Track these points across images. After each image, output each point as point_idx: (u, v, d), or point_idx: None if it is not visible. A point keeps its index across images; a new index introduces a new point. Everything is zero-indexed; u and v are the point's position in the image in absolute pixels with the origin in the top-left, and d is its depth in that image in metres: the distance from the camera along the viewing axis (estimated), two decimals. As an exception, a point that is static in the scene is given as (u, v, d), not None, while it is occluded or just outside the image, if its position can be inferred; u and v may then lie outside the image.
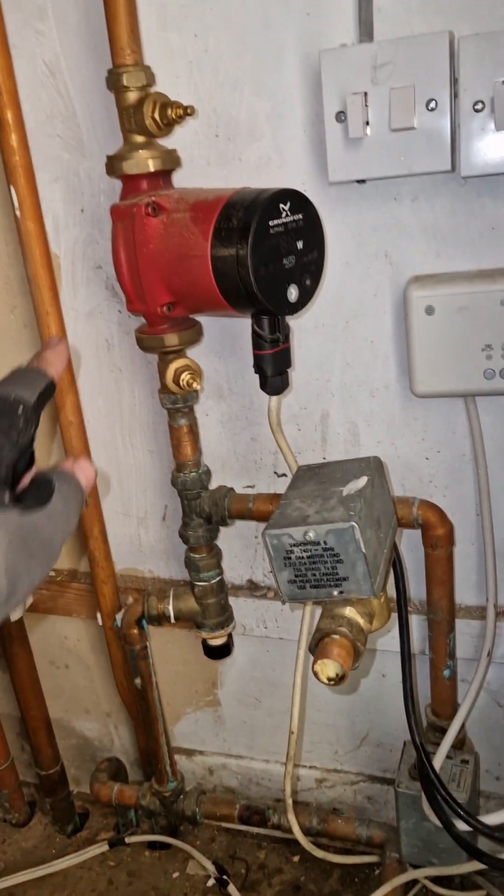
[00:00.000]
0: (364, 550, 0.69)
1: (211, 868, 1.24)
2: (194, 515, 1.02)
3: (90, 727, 1.39)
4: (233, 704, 1.27)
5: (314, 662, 0.70)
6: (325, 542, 0.70)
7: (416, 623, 1.06)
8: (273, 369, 0.84)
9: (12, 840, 1.39)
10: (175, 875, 1.28)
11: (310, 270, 0.82)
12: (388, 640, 1.08)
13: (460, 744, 1.05)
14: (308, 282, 0.82)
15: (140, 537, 1.19)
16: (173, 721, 1.32)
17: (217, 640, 1.08)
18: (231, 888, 1.21)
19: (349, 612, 0.73)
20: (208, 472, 1.01)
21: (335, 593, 0.72)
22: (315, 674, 0.70)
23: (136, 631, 1.09)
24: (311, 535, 0.70)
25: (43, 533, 0.44)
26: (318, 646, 0.72)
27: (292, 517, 0.72)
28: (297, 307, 0.81)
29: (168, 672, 1.27)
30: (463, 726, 1.04)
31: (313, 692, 1.20)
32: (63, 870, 1.31)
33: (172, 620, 1.08)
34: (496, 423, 0.95)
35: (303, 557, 0.72)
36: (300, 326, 0.98)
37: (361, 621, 0.73)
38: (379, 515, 0.75)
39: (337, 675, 0.70)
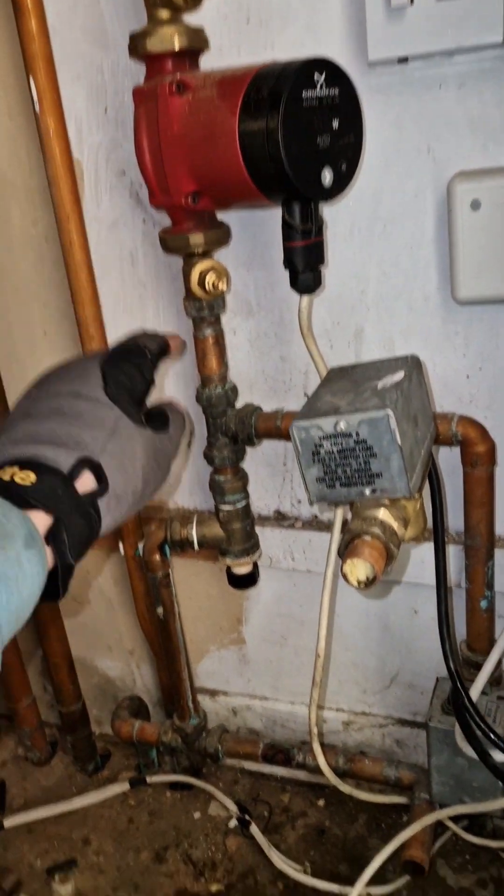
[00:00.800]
0: (400, 443, 0.63)
1: (233, 808, 1.21)
2: (219, 434, 0.97)
3: (112, 666, 1.36)
4: (258, 643, 1.23)
5: (343, 563, 0.65)
6: (357, 434, 0.65)
7: (453, 553, 1.00)
8: (304, 264, 0.78)
9: (33, 778, 1.37)
10: (196, 815, 1.25)
11: (346, 155, 0.76)
12: (420, 572, 1.03)
13: (496, 681, 1.00)
14: (344, 167, 0.76)
15: (164, 465, 1.14)
16: (197, 659, 1.29)
17: (242, 569, 1.04)
18: (253, 828, 1.17)
19: (382, 513, 0.68)
20: (235, 389, 0.96)
21: (367, 492, 0.67)
22: (344, 576, 0.65)
23: (158, 557, 1.05)
24: (343, 426, 0.64)
25: (164, 450, 0.57)
26: (347, 547, 0.66)
27: (322, 409, 0.67)
28: (331, 193, 0.75)
29: (192, 608, 1.23)
30: (500, 662, 0.98)
31: (341, 629, 1.15)
32: (83, 808, 1.28)
33: (196, 547, 1.03)
34: (544, 335, 0.88)
35: (333, 452, 0.66)
36: (334, 233, 0.92)
37: (395, 525, 0.68)
38: (416, 413, 0.70)
39: (367, 577, 0.65)
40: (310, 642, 1.19)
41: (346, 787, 1.01)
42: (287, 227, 0.77)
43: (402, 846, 1.00)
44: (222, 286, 0.85)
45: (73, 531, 0.46)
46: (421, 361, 0.74)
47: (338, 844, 1.16)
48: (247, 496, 1.01)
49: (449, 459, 0.96)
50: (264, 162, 0.71)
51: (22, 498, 0.44)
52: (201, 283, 0.86)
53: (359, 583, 0.65)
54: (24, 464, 0.46)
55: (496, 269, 0.82)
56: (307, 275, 0.79)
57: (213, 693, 1.30)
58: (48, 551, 0.44)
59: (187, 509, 1.16)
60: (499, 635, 0.96)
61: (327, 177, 0.74)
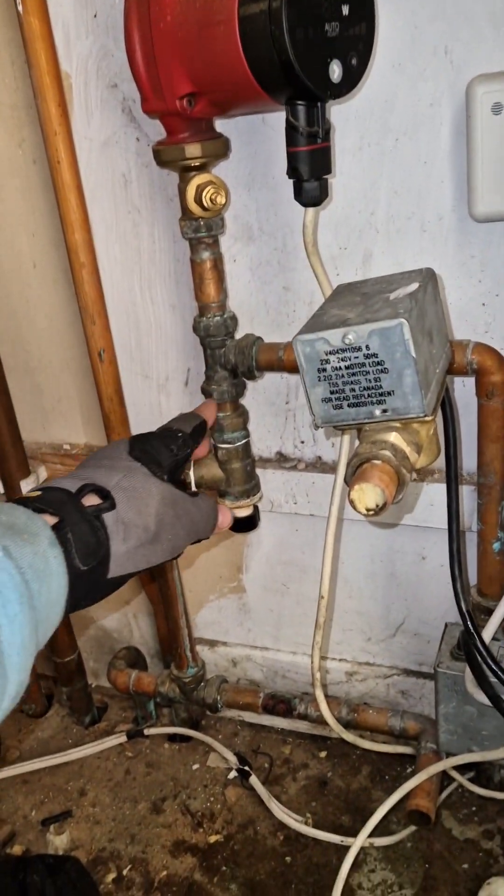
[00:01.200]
0: (414, 355, 0.58)
1: (232, 758, 1.18)
2: (218, 367, 0.91)
3: (109, 617, 1.32)
4: (258, 591, 1.18)
5: (350, 489, 0.60)
6: (367, 347, 0.59)
7: (464, 494, 0.95)
8: (309, 171, 0.72)
9: (29, 730, 1.34)
10: (195, 767, 1.21)
11: (357, 48, 0.70)
12: (428, 516, 0.98)
13: (508, 628, 0.95)
14: (354, 61, 0.69)
15: (161, 405, 1.09)
16: (196, 609, 1.24)
17: (242, 511, 0.99)
18: (253, 779, 1.14)
19: (393, 437, 0.63)
20: (234, 318, 0.90)
21: (377, 412, 0.61)
22: (352, 503, 0.60)
23: (154, 499, 1.00)
24: (352, 338, 0.59)
25: (186, 508, 0.62)
26: (355, 472, 0.61)
27: (329, 321, 0.61)
28: (339, 90, 0.69)
29: (190, 555, 1.19)
30: (512, 607, 0.94)
31: (345, 577, 1.11)
32: (79, 759, 1.26)
33: (194, 488, 0.98)
34: None
35: (340, 368, 0.61)
36: (342, 148, 0.86)
37: (407, 449, 0.62)
38: (431, 328, 0.64)
39: (377, 504, 0.59)
40: (312, 590, 1.14)
41: (349, 736, 0.98)
42: (291, 130, 0.70)
43: (407, 796, 0.96)
44: (221, 200, 0.79)
45: (79, 535, 0.51)
46: (436, 274, 0.68)
47: (340, 796, 1.13)
48: (247, 434, 0.96)
49: (462, 395, 0.90)
50: (267, 51, 0.64)
51: (32, 509, 0.50)
52: (198, 198, 0.79)
53: (367, 510, 0.60)
54: (37, 489, 0.54)
55: (518, 180, 0.76)
56: (312, 184, 0.73)
57: (212, 643, 1.26)
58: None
59: (185, 451, 1.11)
60: (511, 579, 0.92)
61: (336, 71, 0.67)
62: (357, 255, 0.91)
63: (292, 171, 0.73)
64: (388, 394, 0.60)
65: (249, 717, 1.25)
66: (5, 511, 0.49)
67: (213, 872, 1.05)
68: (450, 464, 0.77)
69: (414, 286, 0.63)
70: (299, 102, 0.68)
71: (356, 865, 1.02)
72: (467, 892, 0.98)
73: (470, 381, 0.85)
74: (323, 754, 1.20)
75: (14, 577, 0.44)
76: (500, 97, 0.73)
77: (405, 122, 0.82)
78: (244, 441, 0.95)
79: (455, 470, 0.77)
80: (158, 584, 1.09)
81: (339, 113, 0.84)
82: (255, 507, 1.01)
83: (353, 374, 0.61)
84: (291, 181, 0.74)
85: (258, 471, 1.03)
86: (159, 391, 1.08)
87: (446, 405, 0.75)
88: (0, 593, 0.43)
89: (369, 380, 0.60)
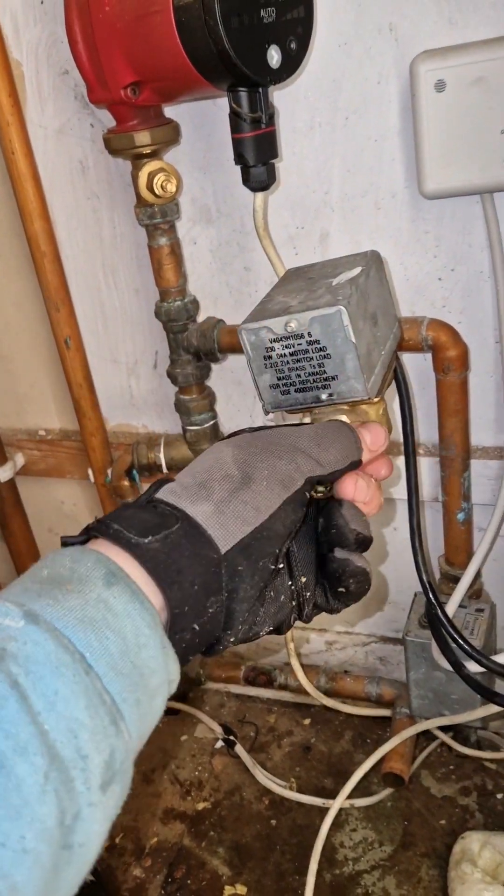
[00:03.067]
0: (354, 340, 0.59)
1: (218, 729, 1.21)
2: (181, 351, 0.92)
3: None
4: (237, 566, 1.21)
5: (299, 472, 0.61)
6: (309, 334, 0.60)
7: (429, 467, 0.97)
8: (255, 157, 0.72)
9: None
10: (183, 738, 1.25)
11: (295, 32, 0.70)
12: (399, 488, 1.00)
13: (477, 594, 0.98)
14: (293, 45, 0.70)
15: (131, 388, 1.10)
16: (177, 586, 1.27)
17: (213, 491, 1.01)
18: (238, 748, 1.18)
19: (339, 418, 0.64)
20: (195, 302, 0.92)
21: (323, 397, 0.63)
22: (301, 485, 0.62)
23: (126, 483, 1.02)
24: (294, 326, 0.60)
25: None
26: (304, 456, 0.63)
27: (273, 310, 0.63)
28: (280, 75, 0.69)
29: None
30: (479, 574, 0.96)
31: (320, 550, 1.13)
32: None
33: (165, 470, 1.00)
34: (518, 229, 0.83)
35: (285, 355, 0.62)
36: (293, 129, 0.86)
37: (355, 431, 0.64)
38: (375, 311, 0.65)
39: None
40: (289, 564, 1.17)
41: (329, 701, 1.01)
42: (235, 117, 0.71)
43: (383, 759, 1.00)
44: (172, 188, 0.80)
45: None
46: (381, 257, 0.69)
47: (323, 760, 1.17)
48: (215, 416, 0.98)
49: (425, 370, 0.92)
50: (203, 40, 0.64)
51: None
52: (150, 186, 0.80)
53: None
54: None
55: (464, 156, 0.76)
56: (259, 169, 0.73)
57: (195, 619, 1.29)
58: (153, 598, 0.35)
59: (157, 433, 1.13)
60: (477, 547, 0.94)
61: (274, 56, 0.68)
62: (314, 234, 0.91)
63: (239, 158, 0.73)
64: (332, 378, 0.62)
65: (235, 688, 1.28)
66: None
67: (202, 837, 1.09)
68: (406, 440, 0.79)
69: (356, 271, 0.64)
70: (241, 89, 0.69)
71: (338, 825, 1.07)
72: (444, 846, 1.02)
73: (431, 358, 0.87)
74: (307, 721, 1.24)
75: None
76: (443, 74, 0.74)
77: (354, 100, 0.82)
78: (212, 422, 0.97)
79: (411, 445, 0.79)
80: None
81: (288, 94, 0.84)
82: (227, 486, 1.03)
83: (298, 361, 0.62)
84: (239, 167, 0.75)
85: (229, 450, 1.05)
86: (129, 375, 1.09)
87: (400, 383, 0.76)
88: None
89: (313, 365, 0.62)
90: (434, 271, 0.89)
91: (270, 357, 0.63)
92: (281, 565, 0.43)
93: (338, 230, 0.90)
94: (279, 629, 0.45)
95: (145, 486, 1.09)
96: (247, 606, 0.39)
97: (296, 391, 0.64)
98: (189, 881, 1.04)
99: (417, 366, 0.93)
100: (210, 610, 0.37)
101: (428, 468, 0.97)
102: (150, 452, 0.99)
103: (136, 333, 1.06)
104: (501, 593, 1.04)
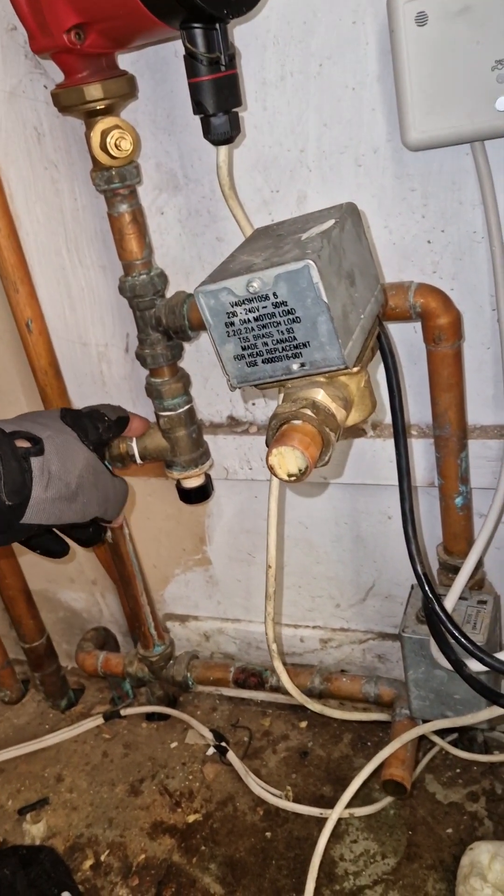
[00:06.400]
0: (326, 300, 0.52)
1: (209, 735, 1.14)
2: (150, 330, 0.85)
3: (76, 598, 1.28)
4: (224, 562, 1.14)
5: (269, 454, 0.54)
6: (275, 295, 0.53)
7: (423, 449, 0.90)
8: (215, 104, 0.65)
9: (4, 717, 1.31)
10: (173, 745, 1.18)
11: (254, -42, 0.62)
12: (390, 473, 0.92)
13: (479, 585, 0.90)
14: (252, -27, 0.62)
15: (103, 374, 1.03)
16: (162, 585, 1.20)
17: (192, 482, 0.93)
18: (231, 755, 1.10)
19: (316, 394, 0.57)
20: (163, 276, 0.84)
21: (295, 367, 0.55)
22: (271, 468, 0.54)
23: (98, 475, 0.95)
24: (257, 286, 0.53)
25: (104, 477, 0.69)
26: (274, 436, 0.55)
27: (234, 269, 0.55)
28: (239, 8, 0.62)
29: (150, 529, 1.14)
30: (480, 563, 0.89)
31: (310, 541, 1.06)
32: (56, 744, 1.22)
33: (138, 460, 0.93)
34: (514, 181, 0.75)
35: (249, 321, 0.55)
36: (262, 80, 0.78)
37: (333, 406, 0.57)
38: (352, 269, 0.58)
39: (299, 469, 0.54)
40: (279, 558, 1.10)
41: (316, 706, 0.94)
42: (190, 59, 0.63)
43: (383, 765, 0.92)
44: (127, 145, 0.72)
45: (9, 471, 0.56)
46: (359, 210, 0.62)
47: (321, 766, 1.10)
48: (189, 399, 0.90)
49: (415, 343, 0.84)
50: (147, -34, 0.57)
51: None
52: (104, 145, 0.73)
53: (289, 476, 0.54)
54: None
55: (451, 100, 0.68)
56: (220, 119, 0.66)
57: (182, 619, 1.22)
58: None
59: (133, 422, 1.05)
60: (478, 535, 0.86)
61: (231, -15, 0.60)
62: (290, 197, 0.84)
63: (197, 107, 0.66)
64: (304, 345, 0.54)
65: (228, 690, 1.21)
66: None
67: (192, 853, 1.02)
68: (396, 417, 0.71)
69: (328, 224, 0.57)
70: (195, 25, 0.61)
71: (337, 837, 0.99)
72: (451, 857, 0.95)
73: (421, 327, 0.79)
74: (303, 724, 1.17)
75: None
76: (424, 5, 0.66)
77: (328, 44, 0.75)
78: (187, 407, 0.90)
79: (401, 423, 0.71)
80: (115, 562, 1.04)
81: (255, 40, 0.76)
82: (207, 476, 0.96)
83: (264, 327, 0.54)
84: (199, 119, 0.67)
85: (209, 437, 0.98)
86: (100, 360, 1.02)
87: (386, 354, 0.69)
88: None
89: (282, 331, 0.54)
90: (422, 233, 0.81)
91: (233, 323, 0.55)
92: None
93: (316, 192, 0.82)
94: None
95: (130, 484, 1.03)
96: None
97: (263, 362, 0.56)
98: (179, 901, 0.97)
99: (408, 338, 0.85)
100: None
101: (422, 450, 0.90)
102: (121, 442, 0.91)
103: (105, 314, 0.98)
104: (506, 583, 0.97)
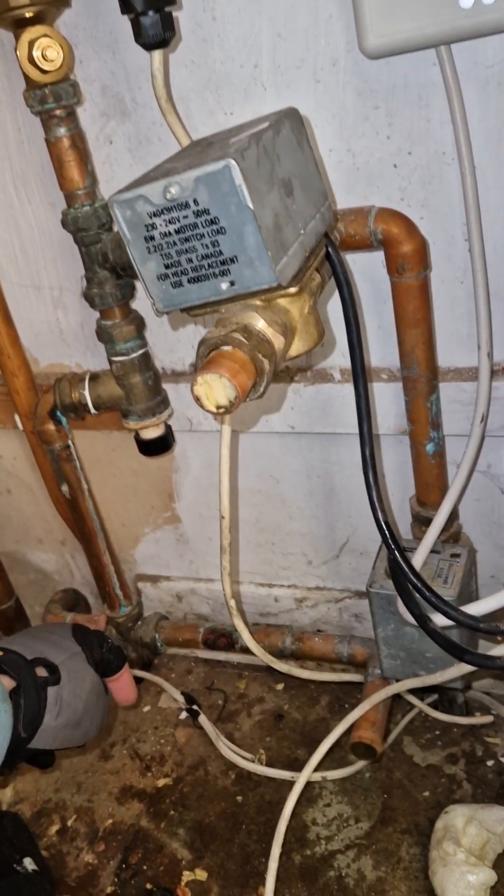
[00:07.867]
0: (251, 206, 0.46)
1: (180, 699, 1.10)
2: (97, 267, 0.79)
3: (46, 559, 1.23)
4: (194, 519, 1.09)
5: (194, 383, 0.49)
6: (196, 202, 0.47)
7: (393, 393, 0.84)
8: (143, 1, 0.58)
9: (-23, 682, 1.27)
10: (146, 709, 1.14)
11: None
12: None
13: (454, 537, 0.85)
14: None
15: (59, 321, 0.97)
16: (132, 544, 1.15)
17: (150, 432, 0.88)
18: (202, 719, 1.07)
19: (250, 317, 0.51)
20: (107, 207, 0.78)
21: (224, 287, 0.50)
22: (197, 399, 0.49)
23: (52, 426, 0.90)
24: (175, 192, 0.47)
25: (103, 702, 0.71)
26: (201, 364, 0.50)
27: (152, 176, 0.49)
28: None
29: (117, 486, 1.09)
30: (455, 515, 0.84)
31: (282, 496, 1.01)
32: (27, 709, 1.19)
33: (93, 410, 0.88)
34: (487, 94, 0.68)
35: (170, 234, 0.49)
36: (211, -14, 0.71)
37: (269, 332, 0.51)
38: (289, 178, 0.51)
39: (229, 400, 0.48)
40: (249, 513, 1.05)
41: (283, 667, 0.90)
42: None
43: (353, 726, 0.88)
44: (55, 55, 0.66)
45: (29, 703, 0.59)
46: (302, 116, 0.56)
47: (296, 729, 1.06)
48: (144, 344, 0.84)
49: (382, 279, 0.78)
50: None
51: None
52: (31, 57, 0.66)
53: (218, 407, 0.49)
54: None
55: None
56: (151, 18, 0.59)
57: (154, 579, 1.17)
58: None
59: (94, 372, 1.00)
60: (451, 484, 0.81)
61: None
62: (245, 119, 0.77)
63: (124, 5, 0.59)
64: (231, 261, 0.48)
65: (201, 652, 1.17)
66: None
67: (161, 818, 0.99)
68: (354, 353, 0.65)
69: (261, 126, 0.50)
70: None
71: (311, 801, 0.96)
72: (427, 821, 0.91)
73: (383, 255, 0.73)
74: (280, 686, 1.13)
75: None
76: None
77: None
78: (141, 352, 0.84)
79: (359, 360, 0.65)
80: (75, 520, 0.99)
81: None
82: (168, 426, 0.91)
83: (187, 240, 0.49)
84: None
85: (170, 385, 0.92)
86: (55, 306, 0.96)
87: (342, 283, 0.62)
88: None
89: (206, 245, 0.48)
90: (388, 157, 0.75)
91: (153, 237, 0.49)
92: None
93: (272, 111, 0.76)
94: None
95: (85, 434, 0.98)
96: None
97: (189, 282, 0.50)
98: (145, 867, 0.94)
99: (377, 276, 0.79)
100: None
101: (392, 395, 0.84)
102: (73, 390, 0.86)
103: (57, 256, 0.92)
104: (485, 537, 0.92)
